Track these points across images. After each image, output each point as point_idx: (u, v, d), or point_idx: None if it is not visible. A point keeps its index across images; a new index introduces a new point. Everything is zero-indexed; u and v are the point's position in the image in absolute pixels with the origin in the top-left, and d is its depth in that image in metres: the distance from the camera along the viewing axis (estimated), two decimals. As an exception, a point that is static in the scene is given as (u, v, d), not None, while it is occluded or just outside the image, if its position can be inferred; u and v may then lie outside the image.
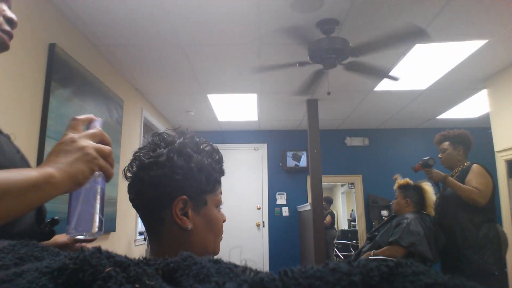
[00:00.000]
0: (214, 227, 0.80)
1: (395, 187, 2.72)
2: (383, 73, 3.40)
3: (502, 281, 2.45)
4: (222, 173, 0.83)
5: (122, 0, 2.51)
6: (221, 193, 0.84)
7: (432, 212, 2.57)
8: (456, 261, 2.41)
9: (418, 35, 2.69)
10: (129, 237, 3.97)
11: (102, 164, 0.62)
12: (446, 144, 2.61)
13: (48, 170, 0.55)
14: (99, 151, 0.61)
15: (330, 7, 2.63)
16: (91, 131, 0.64)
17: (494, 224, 2.40)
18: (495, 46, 3.21)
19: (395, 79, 3.39)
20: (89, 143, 0.61)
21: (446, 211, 2.53)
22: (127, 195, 0.79)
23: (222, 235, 0.86)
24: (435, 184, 2.60)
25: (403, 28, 2.57)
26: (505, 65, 3.62)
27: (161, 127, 5.06)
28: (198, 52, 3.29)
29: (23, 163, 0.84)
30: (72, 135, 0.61)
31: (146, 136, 4.48)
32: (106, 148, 0.63)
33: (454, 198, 2.44)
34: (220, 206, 0.84)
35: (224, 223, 0.86)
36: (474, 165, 2.47)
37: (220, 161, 0.83)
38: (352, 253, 6.10)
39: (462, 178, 2.46)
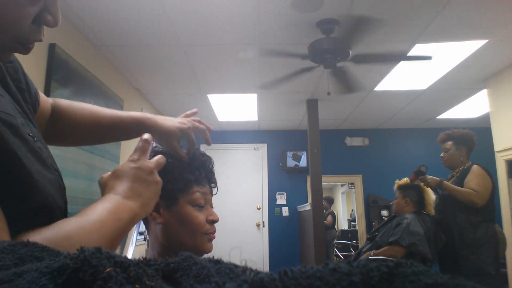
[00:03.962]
0: (188, 224, 0.87)
1: (395, 188, 2.73)
2: (400, 56, 3.18)
3: (499, 281, 2.46)
4: (199, 174, 0.91)
5: (123, 0, 2.51)
6: (198, 192, 0.89)
7: (432, 211, 2.57)
8: (453, 260, 2.42)
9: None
10: (129, 237, 3.97)
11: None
12: (449, 143, 2.61)
13: (135, 209, 0.57)
14: (160, 185, 0.66)
15: (330, 7, 2.63)
16: (159, 161, 0.66)
17: (492, 224, 2.41)
18: (495, 46, 3.21)
19: (426, 58, 3.05)
20: (159, 178, 0.64)
21: (445, 210, 2.53)
22: None
23: (213, 235, 0.90)
24: (433, 189, 2.60)
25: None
26: (505, 65, 3.62)
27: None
28: (198, 52, 3.29)
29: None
30: (150, 165, 0.63)
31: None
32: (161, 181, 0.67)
33: (453, 198, 2.45)
34: (200, 205, 0.89)
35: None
36: (474, 166, 2.47)
37: (199, 164, 0.92)
38: (352, 253, 6.11)
39: (462, 178, 2.46)
